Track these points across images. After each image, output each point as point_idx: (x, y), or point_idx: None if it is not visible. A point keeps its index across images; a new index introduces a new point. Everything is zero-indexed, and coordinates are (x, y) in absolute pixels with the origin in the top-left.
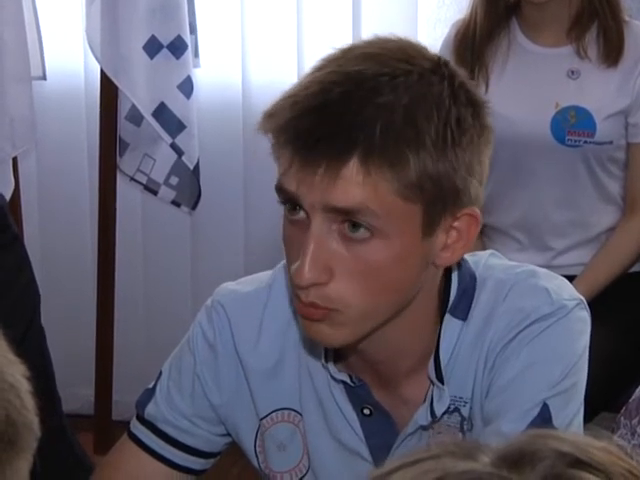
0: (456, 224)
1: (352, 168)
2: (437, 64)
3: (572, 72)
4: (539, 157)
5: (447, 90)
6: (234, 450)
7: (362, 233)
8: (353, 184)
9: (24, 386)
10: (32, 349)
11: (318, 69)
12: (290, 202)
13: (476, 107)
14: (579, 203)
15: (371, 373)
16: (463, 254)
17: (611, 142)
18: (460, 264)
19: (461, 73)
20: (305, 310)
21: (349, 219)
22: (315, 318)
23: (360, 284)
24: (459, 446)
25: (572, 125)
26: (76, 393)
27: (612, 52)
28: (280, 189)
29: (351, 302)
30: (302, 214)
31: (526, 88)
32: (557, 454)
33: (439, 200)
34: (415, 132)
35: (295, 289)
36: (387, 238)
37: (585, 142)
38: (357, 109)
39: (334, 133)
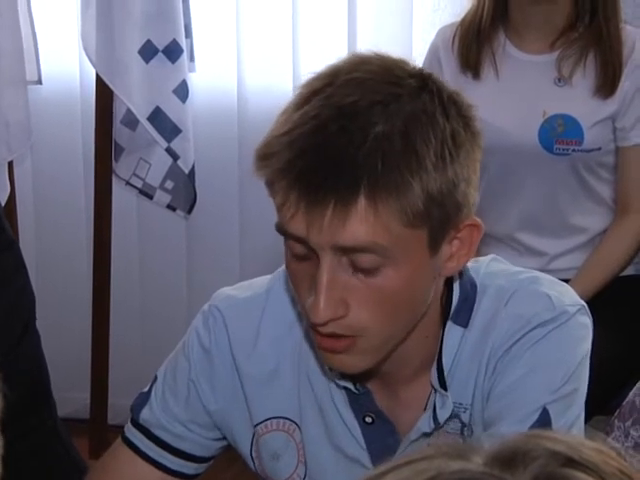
0: (459, 235)
1: (360, 205)
2: (424, 80)
3: (559, 79)
4: (528, 165)
5: (439, 108)
6: (227, 455)
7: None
8: (363, 222)
9: None
10: (27, 353)
11: (306, 100)
12: (294, 239)
13: (465, 117)
14: (570, 208)
15: (374, 380)
16: (467, 261)
17: (599, 148)
18: (461, 271)
19: (445, 84)
20: (329, 344)
21: (358, 253)
22: (339, 350)
23: (377, 310)
24: (452, 447)
25: (560, 134)
26: (71, 397)
27: (606, 86)
28: (285, 232)
29: (371, 327)
30: (309, 250)
31: (513, 96)
32: (550, 453)
33: (444, 219)
34: (416, 158)
35: (311, 324)
36: (397, 265)
37: (573, 150)
38: (356, 144)
39: (338, 171)
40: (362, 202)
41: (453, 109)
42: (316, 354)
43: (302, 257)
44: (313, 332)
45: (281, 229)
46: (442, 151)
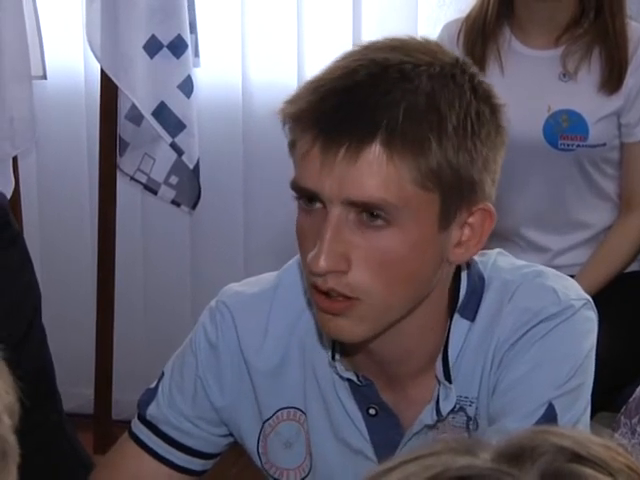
0: (470, 220)
1: (374, 150)
2: (457, 60)
3: (563, 75)
4: (532, 161)
5: (468, 84)
6: (234, 450)
7: (379, 222)
8: (374, 173)
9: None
10: (33, 348)
11: (341, 59)
12: (307, 196)
13: (493, 106)
14: (575, 204)
15: (378, 373)
16: (477, 251)
17: (604, 144)
18: (469, 264)
19: (480, 74)
20: (327, 303)
21: (368, 210)
22: (335, 311)
23: (378, 273)
24: (459, 442)
25: (565, 129)
26: (76, 392)
27: (611, 82)
28: (297, 182)
29: (371, 291)
30: (319, 205)
31: (518, 91)
32: (557, 449)
33: (457, 190)
34: (438, 117)
35: (312, 278)
36: (404, 227)
37: (578, 146)
38: (383, 91)
39: (358, 114)
40: (377, 148)
41: (482, 92)
42: (317, 325)
43: (311, 212)
44: (313, 293)
45: (295, 185)
46: (465, 120)
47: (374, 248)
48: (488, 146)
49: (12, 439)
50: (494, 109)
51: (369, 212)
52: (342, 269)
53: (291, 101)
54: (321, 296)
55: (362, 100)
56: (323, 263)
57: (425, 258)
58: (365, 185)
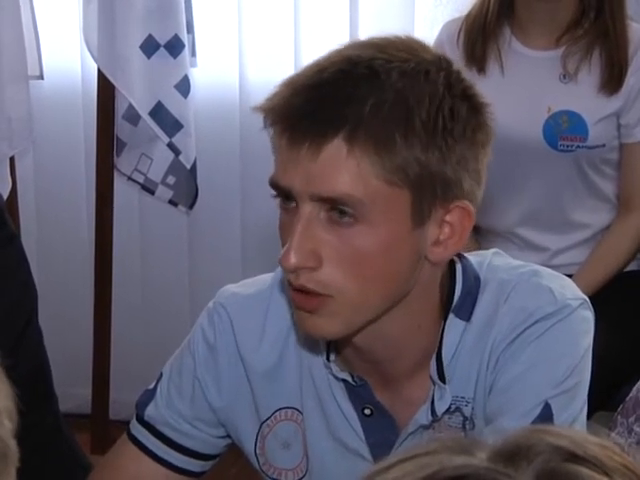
0: (448, 218)
1: (337, 145)
2: (438, 58)
3: (564, 76)
4: (532, 162)
5: (442, 80)
6: (233, 450)
7: (347, 219)
8: (336, 164)
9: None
10: (29, 348)
11: (321, 57)
12: (282, 194)
13: (473, 103)
14: (573, 205)
15: (373, 373)
16: (457, 250)
17: (604, 145)
18: (464, 265)
19: (462, 72)
20: (300, 299)
21: (336, 207)
22: (309, 308)
23: (349, 270)
24: (456, 442)
25: (564, 130)
26: (73, 392)
27: (611, 83)
28: (272, 179)
29: (343, 288)
30: (293, 203)
31: (518, 92)
32: (553, 448)
33: (428, 187)
34: (405, 114)
35: (286, 275)
36: (373, 224)
37: (578, 147)
38: (350, 87)
39: (323, 109)
40: (338, 143)
41: (459, 89)
42: (296, 325)
43: (288, 210)
44: (288, 290)
45: (271, 182)
46: (435, 117)
47: (344, 245)
48: (464, 143)
49: (12, 443)
50: (474, 107)
51: (338, 209)
52: (312, 265)
53: (269, 97)
54: (295, 292)
55: (329, 96)
56: (293, 259)
57: (399, 256)
58: (329, 180)
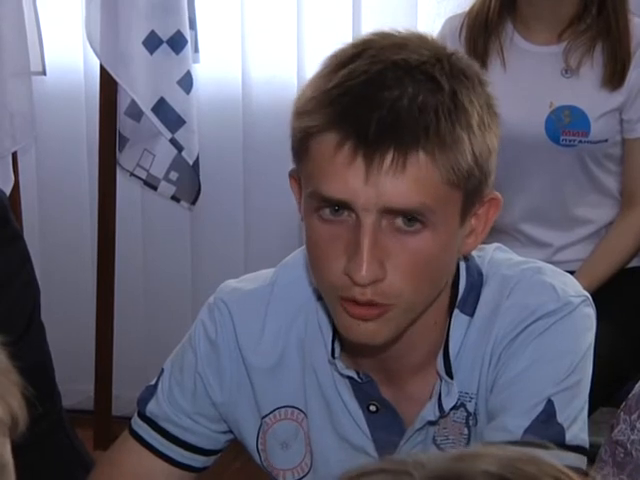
0: (480, 210)
1: (420, 157)
2: (452, 52)
3: (566, 71)
4: (534, 157)
5: (475, 76)
6: (235, 444)
7: (417, 226)
8: (421, 176)
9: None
10: (32, 344)
11: (343, 64)
12: (330, 205)
13: (489, 93)
14: (576, 200)
15: (378, 369)
16: (482, 239)
17: (606, 140)
18: (468, 259)
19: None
20: (360, 311)
21: (406, 215)
22: (369, 318)
23: (410, 276)
24: (391, 464)
25: (566, 125)
26: (76, 388)
27: (613, 78)
28: (324, 193)
29: (402, 294)
30: (347, 214)
31: (520, 87)
32: (485, 476)
33: (478, 184)
34: (464, 115)
35: (346, 291)
36: (436, 228)
37: (580, 142)
38: (411, 95)
39: (398, 121)
40: (420, 155)
41: (484, 82)
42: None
43: (335, 221)
44: (341, 303)
45: (320, 195)
46: (482, 114)
47: (408, 252)
48: (496, 135)
49: (9, 457)
50: (490, 96)
51: (406, 217)
52: (381, 277)
53: (305, 112)
54: (353, 304)
55: (395, 107)
56: (365, 273)
57: (449, 254)
58: (409, 193)
